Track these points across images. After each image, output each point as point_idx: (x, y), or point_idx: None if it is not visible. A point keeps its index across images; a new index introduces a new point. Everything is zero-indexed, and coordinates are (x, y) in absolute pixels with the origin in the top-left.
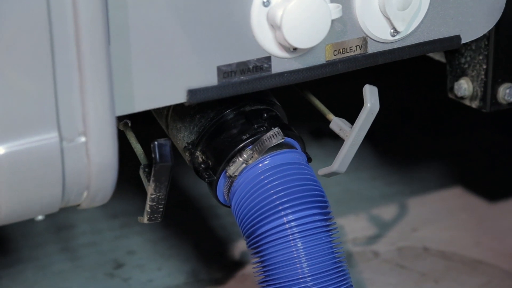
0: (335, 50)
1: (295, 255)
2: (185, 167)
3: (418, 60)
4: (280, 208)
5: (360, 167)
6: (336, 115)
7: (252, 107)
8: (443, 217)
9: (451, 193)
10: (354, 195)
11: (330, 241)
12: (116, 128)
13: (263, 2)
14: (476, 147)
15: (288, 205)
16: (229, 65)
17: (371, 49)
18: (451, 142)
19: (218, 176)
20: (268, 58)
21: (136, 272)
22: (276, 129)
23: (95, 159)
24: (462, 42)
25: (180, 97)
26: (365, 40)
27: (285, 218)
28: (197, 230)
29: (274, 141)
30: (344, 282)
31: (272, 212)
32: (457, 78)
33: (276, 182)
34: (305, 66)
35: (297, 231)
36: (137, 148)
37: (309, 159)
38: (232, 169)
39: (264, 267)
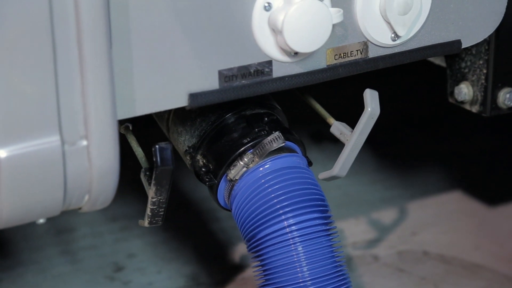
0: (336, 55)
1: (296, 259)
2: (186, 170)
3: (418, 64)
4: (281, 212)
5: (360, 171)
6: (337, 119)
7: (253, 111)
8: (443, 221)
9: (451, 197)
10: (354, 199)
11: (330, 245)
12: (117, 131)
13: (265, 7)
14: (476, 151)
15: (289, 209)
16: (231, 69)
17: (372, 53)
18: (451, 146)
19: (219, 180)
20: (269, 62)
21: (136, 275)
22: (277, 133)
23: (96, 163)
24: (463, 46)
25: (181, 101)
26: (366, 44)
27: (285, 222)
28: (197, 234)
29: (275, 145)
30: (344, 286)
31: (272, 216)
32: (457, 82)
33: (277, 186)
34: (306, 71)
35: (298, 235)
36: (138, 151)
37: (310, 163)
38: (233, 173)
39: (264, 270)
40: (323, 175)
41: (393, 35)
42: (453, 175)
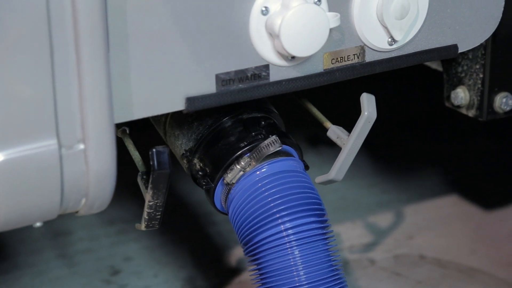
0: (333, 59)
1: (292, 263)
2: (182, 174)
3: (415, 69)
4: (278, 216)
5: (357, 175)
6: (334, 123)
7: (250, 114)
8: (439, 225)
9: (447, 201)
10: (350, 202)
11: (327, 249)
12: (114, 135)
13: (262, 11)
14: (472, 156)
15: (286, 213)
16: (228, 73)
17: (369, 57)
18: (448, 150)
19: (216, 184)
20: (267, 66)
21: (133, 279)
22: (274, 137)
23: (93, 166)
24: (459, 51)
25: (178, 105)
26: (362, 48)
27: (282, 226)
28: (194, 237)
29: (272, 149)
30: None
31: (269, 219)
32: (453, 87)
33: (274, 190)
34: (303, 75)
35: (294, 239)
36: (135, 155)
37: (306, 167)
38: (229, 177)
39: (261, 274)
40: (319, 179)
41: (390, 40)
42: (450, 179)
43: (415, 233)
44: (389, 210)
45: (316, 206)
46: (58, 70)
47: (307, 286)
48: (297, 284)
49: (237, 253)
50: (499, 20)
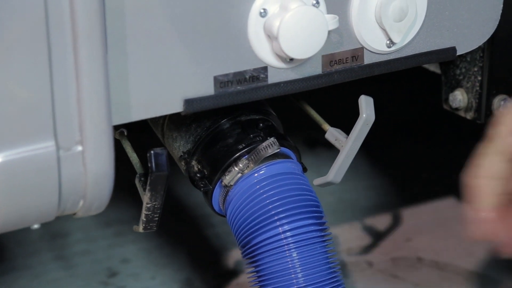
0: (331, 61)
1: (290, 265)
2: (180, 176)
3: (413, 71)
4: (276, 218)
5: (355, 177)
6: (332, 125)
7: (248, 116)
8: (437, 227)
9: (445, 203)
10: (348, 205)
11: (325, 251)
12: (112, 137)
13: (260, 13)
14: (470, 158)
15: (284, 215)
16: (226, 75)
17: (367, 60)
18: (446, 153)
19: (214, 186)
20: (265, 68)
21: (131, 281)
22: (272, 139)
23: (91, 168)
24: (458, 53)
25: (176, 107)
26: (361, 51)
27: (280, 228)
28: (191, 239)
29: (270, 151)
30: None
31: (267, 222)
32: (452, 89)
33: (272, 192)
34: (301, 77)
35: (292, 241)
36: (133, 157)
37: (305, 169)
38: (227, 179)
39: (259, 277)
40: (318, 181)
41: (388, 42)
42: (447, 181)
43: (413, 235)
44: (387, 212)
45: (314, 209)
46: (56, 72)
47: None
48: (295, 287)
49: (235, 255)
50: (497, 23)
